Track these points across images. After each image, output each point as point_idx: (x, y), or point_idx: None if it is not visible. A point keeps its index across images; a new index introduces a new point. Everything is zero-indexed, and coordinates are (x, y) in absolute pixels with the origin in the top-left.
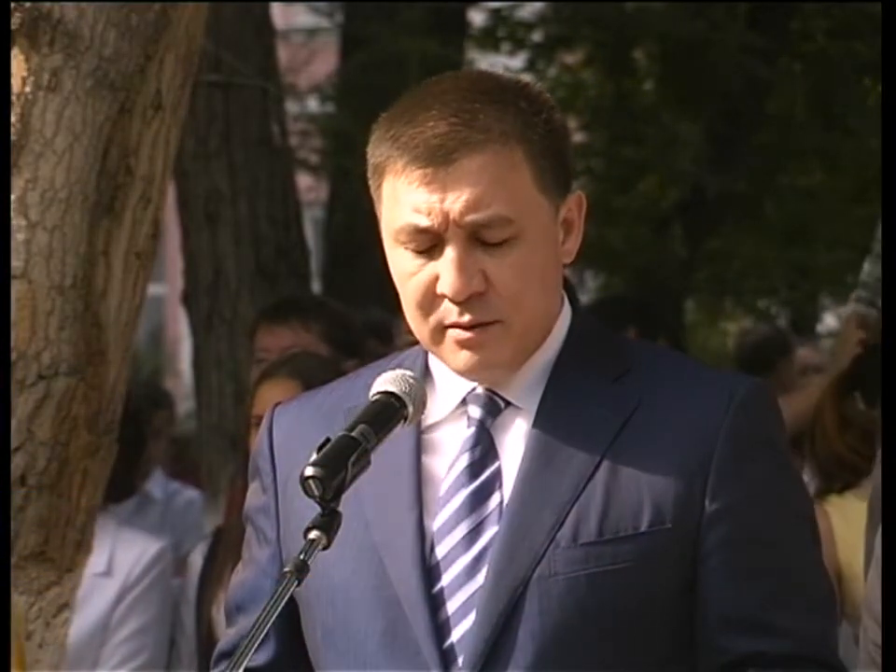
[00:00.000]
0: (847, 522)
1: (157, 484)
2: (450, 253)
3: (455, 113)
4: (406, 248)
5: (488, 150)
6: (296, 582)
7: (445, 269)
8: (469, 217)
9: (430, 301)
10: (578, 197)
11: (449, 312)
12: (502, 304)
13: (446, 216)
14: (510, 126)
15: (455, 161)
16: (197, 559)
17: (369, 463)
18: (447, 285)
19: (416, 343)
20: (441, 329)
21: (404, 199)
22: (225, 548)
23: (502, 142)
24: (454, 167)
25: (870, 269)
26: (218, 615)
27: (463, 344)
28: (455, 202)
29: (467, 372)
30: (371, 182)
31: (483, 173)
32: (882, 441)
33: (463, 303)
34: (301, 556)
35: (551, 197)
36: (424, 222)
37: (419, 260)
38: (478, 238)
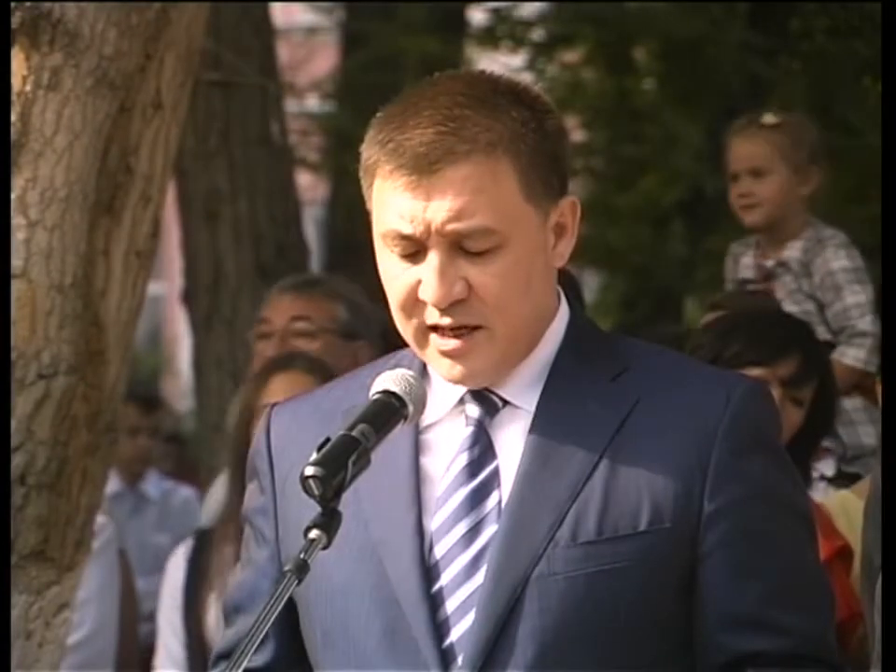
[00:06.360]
0: (847, 520)
1: (152, 484)
2: (432, 260)
3: (443, 121)
4: (392, 251)
5: (473, 161)
6: (296, 582)
7: (427, 276)
8: (451, 227)
9: (412, 304)
10: (572, 202)
11: (431, 314)
12: (485, 310)
13: (428, 224)
14: (498, 136)
15: (440, 170)
16: (178, 562)
17: (369, 462)
18: (428, 292)
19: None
20: (423, 331)
21: (390, 203)
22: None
23: (488, 152)
24: (437, 176)
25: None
26: (206, 617)
27: (447, 354)
28: (438, 211)
29: (452, 382)
30: (362, 181)
31: (466, 183)
32: (882, 440)
33: (445, 309)
34: (302, 555)
35: (539, 204)
36: (407, 229)
37: (403, 264)
38: (461, 246)
